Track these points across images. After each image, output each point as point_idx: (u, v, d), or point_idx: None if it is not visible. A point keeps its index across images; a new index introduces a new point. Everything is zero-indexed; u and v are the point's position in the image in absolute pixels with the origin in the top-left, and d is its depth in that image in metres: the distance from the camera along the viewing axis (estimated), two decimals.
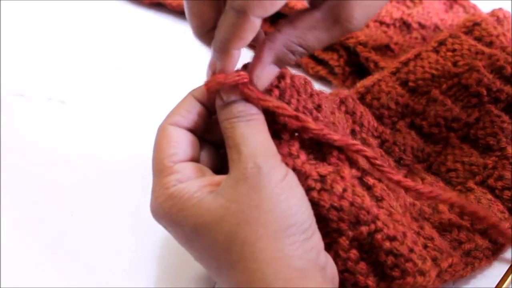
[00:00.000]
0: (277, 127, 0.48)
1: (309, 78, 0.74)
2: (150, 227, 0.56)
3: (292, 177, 0.45)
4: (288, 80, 0.49)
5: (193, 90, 0.49)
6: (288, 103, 0.48)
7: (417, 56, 0.67)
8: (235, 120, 0.45)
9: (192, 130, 0.49)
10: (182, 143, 0.47)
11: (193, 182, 0.45)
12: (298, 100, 0.49)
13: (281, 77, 0.49)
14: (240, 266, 0.42)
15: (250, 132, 0.45)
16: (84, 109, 0.72)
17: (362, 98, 0.64)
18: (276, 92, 0.48)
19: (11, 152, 0.65)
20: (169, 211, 0.45)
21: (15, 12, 0.85)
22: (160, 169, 0.47)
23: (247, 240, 0.42)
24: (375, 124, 0.62)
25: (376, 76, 0.66)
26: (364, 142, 0.58)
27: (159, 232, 0.56)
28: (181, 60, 0.79)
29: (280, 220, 0.42)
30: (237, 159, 0.44)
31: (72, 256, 0.56)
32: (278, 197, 0.43)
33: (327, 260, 0.45)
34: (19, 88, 0.74)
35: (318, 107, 0.50)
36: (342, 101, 0.60)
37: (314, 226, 0.44)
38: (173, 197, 0.45)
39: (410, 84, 0.65)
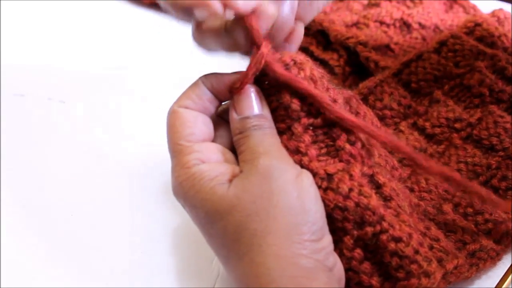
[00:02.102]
0: (291, 122, 0.48)
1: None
2: (150, 227, 0.56)
3: (307, 178, 0.45)
4: (307, 72, 0.49)
5: (203, 77, 0.49)
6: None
7: (419, 57, 0.67)
8: (248, 132, 0.46)
9: (205, 115, 0.49)
10: (197, 123, 0.47)
11: (216, 166, 0.45)
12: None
13: (300, 68, 0.48)
14: (247, 258, 0.43)
15: (263, 138, 0.46)
16: (84, 109, 0.72)
17: (364, 99, 0.64)
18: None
19: (11, 152, 0.65)
20: (188, 191, 0.45)
21: (15, 12, 0.85)
22: (178, 149, 0.46)
23: (256, 232, 0.42)
24: (378, 125, 0.62)
25: (378, 77, 0.66)
26: (368, 142, 0.58)
27: (159, 232, 0.56)
28: (181, 60, 0.79)
29: (290, 217, 0.43)
30: (250, 158, 0.45)
31: (72, 256, 0.56)
32: (290, 193, 0.43)
33: (335, 261, 0.45)
34: (19, 88, 0.73)
35: (334, 101, 0.50)
36: (346, 101, 0.60)
37: (326, 228, 0.45)
38: (194, 177, 0.45)
39: (412, 85, 0.66)
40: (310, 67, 0.49)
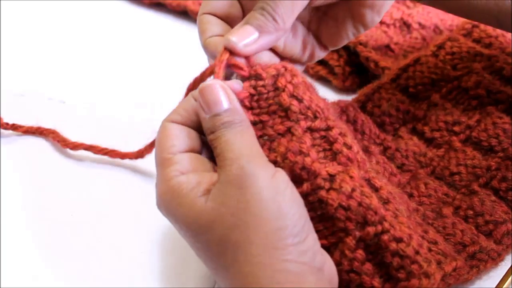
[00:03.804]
0: (290, 124, 0.48)
1: (309, 78, 0.76)
2: (150, 227, 0.56)
3: (281, 177, 0.44)
4: (300, 79, 0.50)
5: (193, 91, 0.50)
6: (302, 99, 0.49)
7: (416, 61, 0.67)
8: (219, 131, 0.46)
9: (191, 128, 0.49)
10: (179, 135, 0.48)
11: (193, 176, 0.45)
12: (310, 98, 0.49)
13: (294, 75, 0.49)
14: (233, 269, 0.43)
15: (233, 138, 0.45)
16: (84, 109, 0.72)
17: (363, 106, 0.65)
18: (290, 87, 0.49)
19: (11, 152, 0.65)
20: (168, 205, 0.45)
21: (15, 12, 0.85)
22: (160, 162, 0.47)
23: (239, 244, 0.42)
24: (377, 132, 0.62)
25: (376, 83, 0.67)
26: (366, 149, 0.59)
27: (158, 232, 0.56)
28: (181, 60, 0.79)
29: (269, 223, 0.42)
30: (223, 165, 0.44)
31: (72, 256, 0.56)
32: (265, 200, 0.43)
33: (324, 260, 0.45)
34: (19, 88, 0.74)
35: (327, 109, 0.51)
36: (343, 110, 0.61)
37: (308, 227, 0.44)
38: (173, 190, 0.45)
39: (410, 90, 0.66)
40: (301, 75, 0.50)
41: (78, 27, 0.84)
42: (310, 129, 0.49)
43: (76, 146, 0.64)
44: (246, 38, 0.49)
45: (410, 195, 0.58)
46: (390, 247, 0.46)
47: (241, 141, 0.45)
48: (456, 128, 0.62)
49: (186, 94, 0.52)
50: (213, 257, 0.44)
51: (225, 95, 0.46)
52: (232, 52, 0.49)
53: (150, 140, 0.59)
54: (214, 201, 0.43)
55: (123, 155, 0.62)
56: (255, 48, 0.50)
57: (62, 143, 0.65)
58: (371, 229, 0.46)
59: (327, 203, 0.46)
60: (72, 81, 0.75)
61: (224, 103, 0.46)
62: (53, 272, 0.55)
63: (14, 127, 0.67)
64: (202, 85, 0.47)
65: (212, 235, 0.43)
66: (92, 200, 0.61)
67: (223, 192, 0.43)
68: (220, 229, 0.43)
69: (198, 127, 0.49)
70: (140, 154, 0.60)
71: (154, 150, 0.52)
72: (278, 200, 0.43)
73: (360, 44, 0.73)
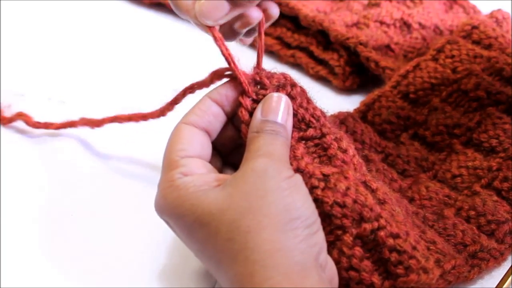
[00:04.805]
0: None
1: (309, 79, 0.76)
2: (151, 227, 0.56)
3: (299, 178, 0.46)
4: (298, 89, 0.51)
5: (210, 92, 0.51)
6: (296, 113, 0.50)
7: (416, 67, 0.68)
8: (263, 133, 0.48)
9: (207, 131, 0.50)
10: (192, 140, 0.49)
11: (199, 177, 0.47)
12: (307, 108, 0.51)
13: (292, 85, 0.51)
14: (241, 257, 0.43)
15: (272, 142, 0.47)
16: (84, 109, 0.72)
17: (364, 116, 0.66)
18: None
19: (12, 152, 0.65)
20: (173, 202, 0.46)
21: (15, 12, 0.85)
22: (167, 164, 0.48)
23: (251, 229, 0.43)
24: (378, 140, 0.62)
25: (376, 92, 0.67)
26: (367, 158, 0.59)
27: (158, 232, 0.56)
28: (181, 60, 0.79)
29: (284, 213, 0.43)
30: (252, 156, 0.46)
31: (72, 256, 0.56)
32: (283, 191, 0.44)
33: (326, 260, 0.45)
34: (19, 88, 0.74)
35: (324, 116, 0.52)
36: (342, 122, 0.61)
37: (319, 224, 0.45)
38: (179, 189, 0.46)
39: (411, 95, 0.66)
40: (299, 84, 0.52)
41: (78, 27, 0.84)
42: (303, 139, 0.50)
43: (101, 122, 0.64)
44: (216, 12, 0.48)
45: (412, 199, 0.58)
46: (387, 243, 0.46)
47: (276, 147, 0.47)
48: (456, 131, 0.63)
49: (211, 78, 0.52)
50: (220, 245, 0.44)
51: (284, 111, 0.49)
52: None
53: (154, 138, 0.59)
54: (231, 187, 0.45)
55: (145, 116, 0.61)
56: (225, 20, 0.50)
57: (91, 125, 0.64)
58: (367, 226, 0.46)
59: (322, 201, 0.46)
60: (72, 81, 0.75)
61: (279, 116, 0.49)
62: (53, 272, 0.54)
63: (46, 126, 0.66)
64: (272, 94, 0.50)
65: (223, 220, 0.44)
66: (92, 200, 0.61)
67: (242, 179, 0.45)
68: (232, 213, 0.44)
69: (213, 128, 0.50)
70: (162, 113, 0.58)
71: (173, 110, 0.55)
72: (293, 193, 0.45)
73: (361, 44, 0.73)
